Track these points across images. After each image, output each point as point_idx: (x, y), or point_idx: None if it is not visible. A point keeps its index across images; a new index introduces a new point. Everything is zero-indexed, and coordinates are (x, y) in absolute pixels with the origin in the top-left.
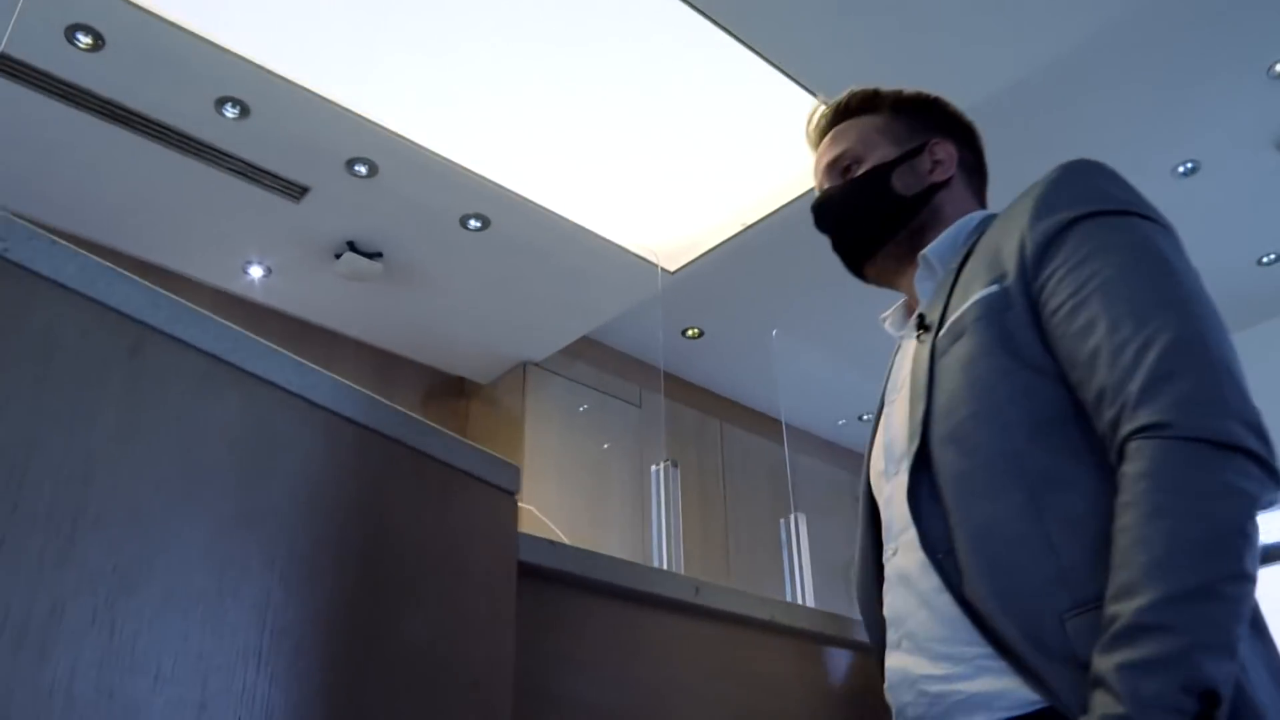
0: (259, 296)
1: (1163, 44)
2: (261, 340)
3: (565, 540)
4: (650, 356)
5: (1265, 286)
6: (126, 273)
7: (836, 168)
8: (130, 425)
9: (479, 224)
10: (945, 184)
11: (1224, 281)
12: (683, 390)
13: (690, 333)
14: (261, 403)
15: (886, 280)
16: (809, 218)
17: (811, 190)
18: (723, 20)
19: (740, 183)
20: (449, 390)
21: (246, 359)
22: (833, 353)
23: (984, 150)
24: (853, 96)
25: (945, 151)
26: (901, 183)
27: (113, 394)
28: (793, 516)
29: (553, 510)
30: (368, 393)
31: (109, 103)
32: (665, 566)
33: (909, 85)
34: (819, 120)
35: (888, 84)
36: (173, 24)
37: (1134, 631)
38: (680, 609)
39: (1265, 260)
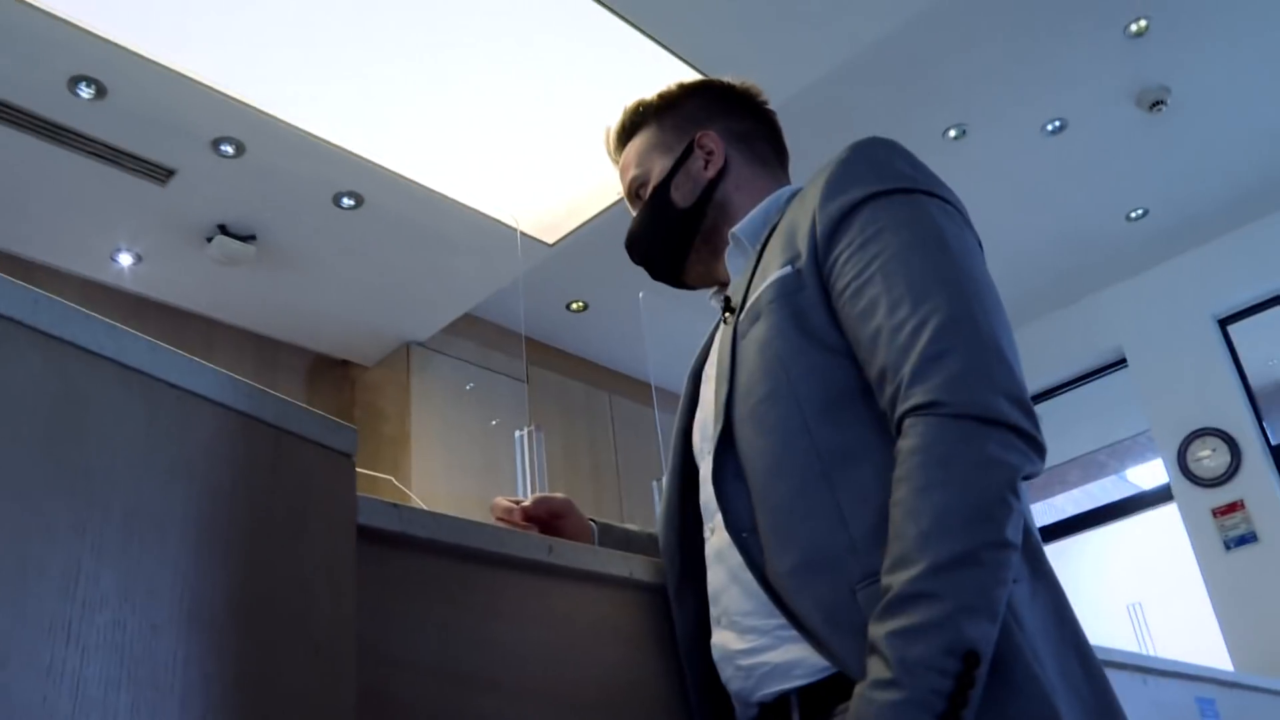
0: (130, 285)
1: (1020, 2)
2: (67, 303)
3: (423, 506)
4: (535, 332)
5: (1135, 241)
6: None
7: (633, 195)
8: None
9: (352, 202)
10: (721, 174)
11: (1097, 237)
12: (570, 364)
13: (575, 306)
14: (68, 365)
15: (708, 281)
16: None
17: None
18: None
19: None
20: (333, 373)
21: (48, 322)
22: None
23: (761, 107)
24: (626, 115)
25: (711, 141)
26: (680, 194)
27: None
28: (665, 478)
29: (442, 488)
30: (188, 355)
31: None
32: None
33: (771, 48)
34: (611, 144)
35: (751, 47)
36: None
37: (903, 600)
38: (536, 569)
39: (1134, 215)
